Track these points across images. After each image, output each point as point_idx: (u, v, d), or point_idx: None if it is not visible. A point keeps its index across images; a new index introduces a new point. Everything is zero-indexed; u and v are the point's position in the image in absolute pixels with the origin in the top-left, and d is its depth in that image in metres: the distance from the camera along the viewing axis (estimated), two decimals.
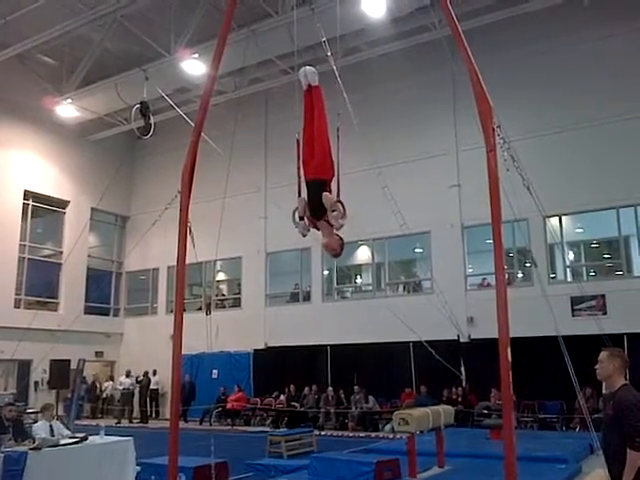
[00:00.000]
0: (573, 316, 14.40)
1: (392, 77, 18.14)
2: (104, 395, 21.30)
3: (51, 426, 7.88)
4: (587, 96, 15.47)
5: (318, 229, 5.47)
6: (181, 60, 16.65)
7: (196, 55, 16.26)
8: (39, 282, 20.94)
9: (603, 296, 14.52)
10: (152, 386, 20.19)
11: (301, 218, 5.53)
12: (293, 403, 17.39)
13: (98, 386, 21.34)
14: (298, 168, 5.66)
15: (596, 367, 4.20)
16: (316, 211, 5.37)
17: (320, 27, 10.77)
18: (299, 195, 5.60)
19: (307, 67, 5.73)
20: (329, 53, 10.39)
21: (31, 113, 19.66)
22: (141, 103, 16.76)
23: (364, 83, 17.41)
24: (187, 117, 15.94)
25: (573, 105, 15.64)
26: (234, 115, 15.74)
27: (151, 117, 16.97)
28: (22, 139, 20.15)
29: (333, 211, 5.26)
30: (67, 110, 19.67)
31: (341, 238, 5.42)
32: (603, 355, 4.18)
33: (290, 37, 14.45)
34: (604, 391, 4.32)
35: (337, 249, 5.41)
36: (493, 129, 4.64)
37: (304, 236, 5.60)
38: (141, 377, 20.26)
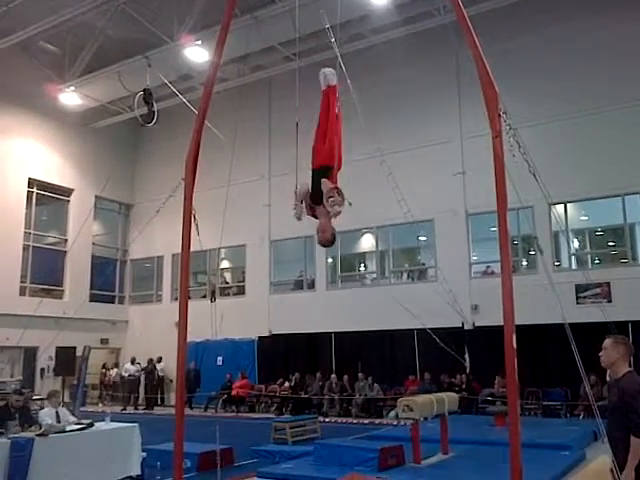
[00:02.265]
0: (578, 304, 14.38)
1: (396, 64, 18.01)
2: (111, 382, 21.47)
3: (57, 412, 7.93)
4: (593, 83, 15.34)
5: (316, 217, 5.45)
6: (184, 47, 16.59)
7: (199, 42, 16.19)
8: (44, 270, 20.99)
9: (608, 284, 14.49)
10: (157, 373, 20.31)
11: (302, 202, 5.53)
12: (298, 390, 17.46)
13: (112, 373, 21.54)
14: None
15: (600, 354, 4.20)
16: (317, 198, 5.35)
17: (323, 13, 10.69)
18: (297, 186, 5.61)
19: (326, 69, 5.78)
20: (332, 40, 10.31)
21: (34, 101, 19.62)
22: (144, 90, 16.72)
23: (368, 70, 17.28)
24: (190, 104, 15.90)
25: (578, 92, 15.52)
26: (237, 103, 15.69)
27: (154, 104, 16.92)
28: (25, 127, 20.13)
29: (330, 197, 5.22)
30: (70, 98, 19.66)
31: (333, 229, 5.37)
32: (607, 342, 4.18)
33: (293, 24, 14.37)
34: (608, 378, 4.32)
35: (330, 238, 5.33)
36: (499, 115, 4.60)
37: (299, 219, 5.57)
38: (146, 364, 20.36)
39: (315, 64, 17.14)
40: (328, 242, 5.41)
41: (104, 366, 21.76)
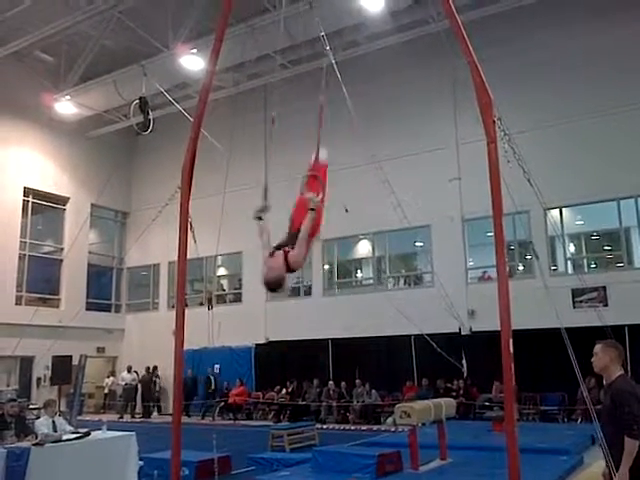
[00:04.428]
0: (574, 308, 14.41)
1: (392, 71, 18.06)
2: (106, 390, 21.40)
3: (54, 422, 7.89)
4: (587, 88, 15.43)
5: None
6: (179, 55, 16.62)
7: (194, 50, 16.23)
8: (40, 279, 20.93)
9: (604, 288, 14.52)
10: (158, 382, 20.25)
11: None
12: (295, 397, 17.41)
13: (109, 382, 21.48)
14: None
15: (592, 360, 4.20)
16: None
17: (318, 21, 10.73)
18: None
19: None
20: (328, 47, 10.34)
21: (30, 110, 19.64)
22: (140, 99, 16.74)
23: (363, 77, 17.32)
24: (186, 113, 15.91)
25: (573, 97, 15.60)
26: (233, 110, 15.71)
27: (150, 113, 16.94)
28: (21, 136, 20.11)
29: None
30: (66, 107, 19.67)
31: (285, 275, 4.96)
32: (598, 348, 4.19)
33: (288, 32, 14.44)
34: (605, 383, 4.32)
35: (273, 279, 4.92)
36: (493, 121, 4.62)
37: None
38: (144, 372, 20.29)
39: (311, 71, 17.35)
40: (271, 283, 4.92)
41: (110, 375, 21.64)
